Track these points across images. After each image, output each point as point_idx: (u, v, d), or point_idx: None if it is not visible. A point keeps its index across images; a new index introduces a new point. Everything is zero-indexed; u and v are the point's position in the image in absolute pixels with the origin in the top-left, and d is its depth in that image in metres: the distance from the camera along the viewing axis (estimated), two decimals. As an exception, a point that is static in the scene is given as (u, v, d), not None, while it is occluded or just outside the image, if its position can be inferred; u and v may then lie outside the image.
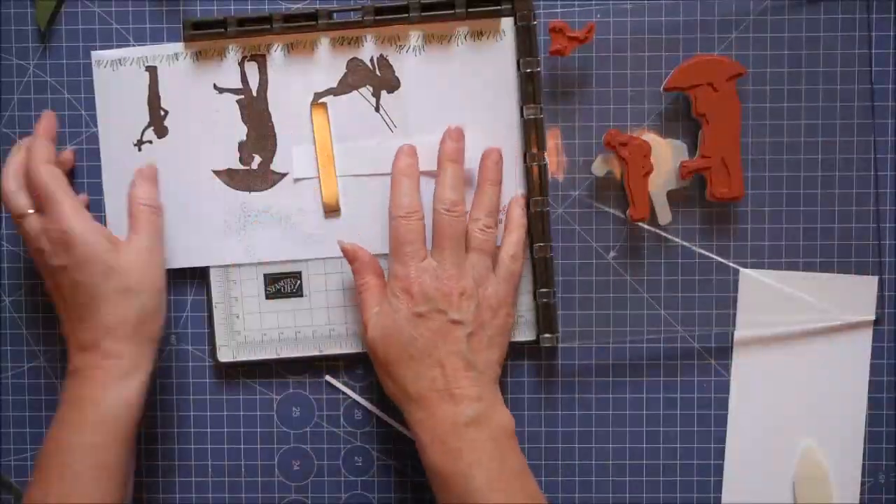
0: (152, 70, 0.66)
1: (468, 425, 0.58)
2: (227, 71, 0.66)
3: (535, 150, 0.65)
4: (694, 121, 0.66)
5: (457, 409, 0.58)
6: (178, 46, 0.66)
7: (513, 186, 0.66)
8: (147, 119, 0.66)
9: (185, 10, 0.67)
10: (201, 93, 0.66)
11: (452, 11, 0.65)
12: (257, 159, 0.66)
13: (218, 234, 0.66)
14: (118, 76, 0.66)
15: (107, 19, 0.67)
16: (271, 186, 0.66)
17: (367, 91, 0.66)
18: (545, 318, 0.66)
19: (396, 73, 0.66)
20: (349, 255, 0.63)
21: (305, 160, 0.66)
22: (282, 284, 0.67)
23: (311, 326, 0.67)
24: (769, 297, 0.67)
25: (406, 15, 0.65)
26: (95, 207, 0.67)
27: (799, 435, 0.67)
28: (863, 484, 0.67)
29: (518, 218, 0.65)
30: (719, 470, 0.67)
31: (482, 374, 0.60)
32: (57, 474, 0.56)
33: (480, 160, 0.64)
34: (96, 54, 0.66)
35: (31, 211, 0.60)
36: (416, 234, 0.61)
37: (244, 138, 0.66)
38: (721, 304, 0.67)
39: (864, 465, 0.67)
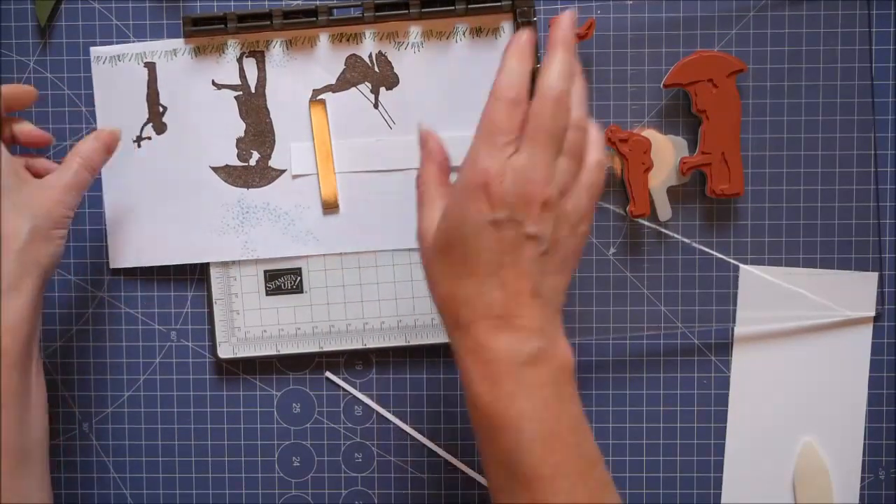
0: (151, 66, 0.66)
1: (526, 364, 0.49)
2: (226, 67, 0.66)
3: (534, 147, 0.65)
4: (694, 117, 0.66)
5: (515, 344, 0.49)
6: (177, 42, 0.66)
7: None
8: (146, 115, 0.66)
9: (184, 6, 0.67)
10: (200, 89, 0.66)
11: (452, 8, 0.65)
12: (256, 156, 0.66)
13: (217, 231, 0.67)
14: (117, 72, 0.66)
15: (107, 15, 0.67)
16: (270, 183, 0.66)
17: (365, 88, 0.66)
18: (545, 314, 0.65)
19: (395, 70, 0.66)
20: (421, 139, 0.56)
21: (304, 157, 0.66)
22: (282, 281, 0.67)
23: (311, 323, 0.67)
24: (769, 294, 0.67)
25: (406, 11, 0.65)
26: (94, 203, 0.67)
27: (799, 431, 0.67)
28: (863, 480, 0.67)
29: (595, 128, 0.55)
30: (719, 466, 0.67)
31: (548, 303, 0.50)
32: None
33: (550, 31, 0.53)
34: (95, 50, 0.66)
35: None
36: (516, 124, 0.50)
37: (242, 134, 0.66)
38: (721, 301, 0.67)
39: (864, 461, 0.67)
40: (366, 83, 0.66)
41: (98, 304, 0.68)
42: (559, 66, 0.51)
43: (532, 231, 0.49)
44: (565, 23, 0.52)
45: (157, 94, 0.66)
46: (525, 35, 0.52)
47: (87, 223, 0.68)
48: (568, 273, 0.52)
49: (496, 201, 0.49)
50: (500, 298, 0.49)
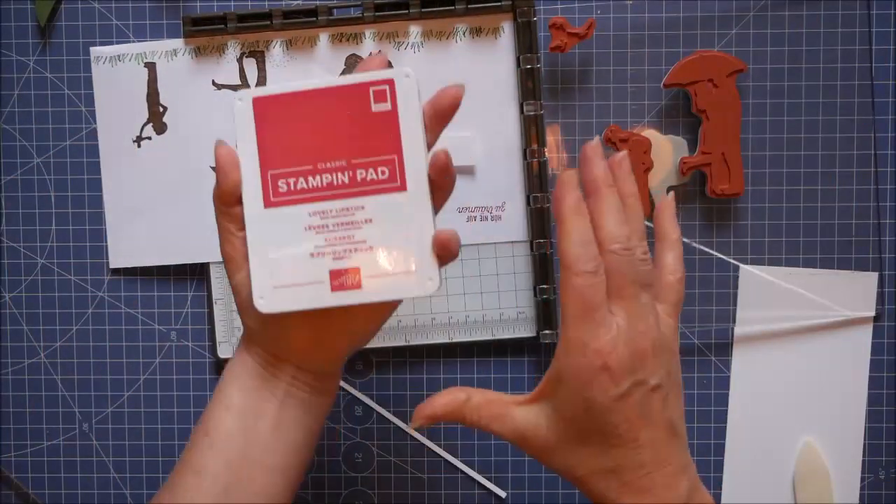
0: (151, 66, 0.66)
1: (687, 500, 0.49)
2: (226, 67, 0.66)
3: (534, 147, 0.65)
4: (694, 117, 0.66)
5: (674, 492, 0.48)
6: (177, 42, 0.66)
7: (513, 183, 0.66)
8: (146, 115, 0.66)
9: (184, 6, 0.67)
10: (200, 89, 0.66)
11: (452, 8, 0.65)
12: (256, 156, 0.66)
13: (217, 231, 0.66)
14: (117, 72, 0.66)
15: (107, 15, 0.67)
16: (270, 183, 0.66)
17: (366, 87, 0.66)
18: (545, 314, 0.66)
19: (395, 70, 0.66)
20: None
21: (305, 156, 0.66)
22: (281, 281, 0.67)
23: (311, 323, 0.67)
24: (769, 294, 0.67)
25: (406, 11, 0.65)
26: (94, 204, 0.67)
27: (799, 431, 0.67)
28: (863, 480, 0.67)
29: (674, 229, 0.53)
30: (719, 466, 0.67)
31: (682, 438, 0.50)
32: None
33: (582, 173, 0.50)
34: (95, 50, 0.66)
35: None
36: (603, 293, 0.47)
37: (243, 135, 0.66)
38: (721, 301, 0.67)
39: (863, 461, 0.67)
40: (366, 83, 0.66)
41: (98, 304, 0.68)
42: (613, 210, 0.49)
43: (654, 382, 0.48)
44: (594, 152, 0.50)
45: (157, 94, 0.66)
46: (571, 190, 0.48)
47: (87, 223, 0.68)
48: (682, 396, 0.51)
49: (618, 375, 0.46)
50: (649, 459, 0.48)
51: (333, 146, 0.48)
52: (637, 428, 0.47)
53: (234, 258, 0.49)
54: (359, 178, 0.47)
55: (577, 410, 0.48)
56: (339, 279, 0.48)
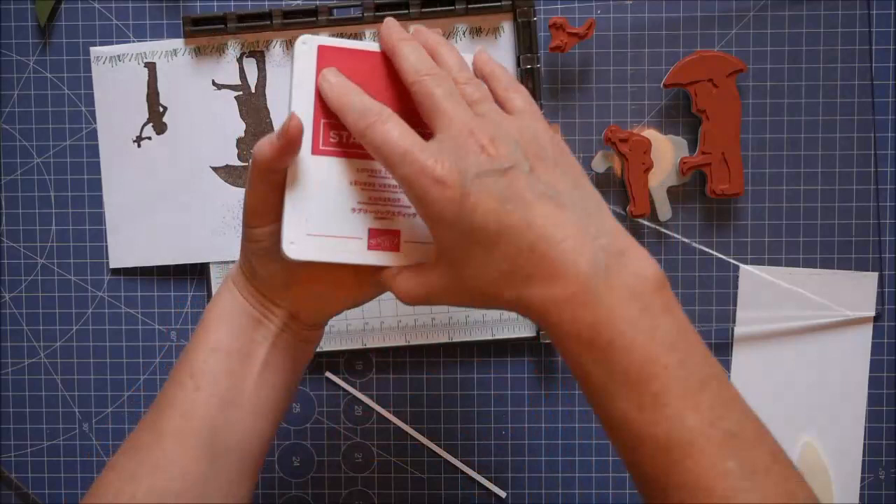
0: (151, 66, 0.66)
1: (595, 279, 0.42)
2: (226, 67, 0.66)
3: (534, 147, 0.65)
4: (694, 117, 0.66)
5: (583, 265, 0.42)
6: (177, 42, 0.66)
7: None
8: (146, 115, 0.66)
9: (184, 6, 0.67)
10: (199, 89, 0.66)
11: (452, 8, 0.65)
12: (256, 156, 0.66)
13: (217, 231, 0.67)
14: (117, 72, 0.66)
15: (107, 15, 0.67)
16: (270, 183, 0.66)
17: (366, 87, 0.66)
18: (545, 314, 0.65)
19: (395, 70, 0.66)
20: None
21: (304, 156, 0.66)
22: (281, 281, 0.67)
23: (311, 323, 0.67)
24: (769, 294, 0.67)
25: (406, 11, 0.65)
26: (94, 204, 0.67)
27: (799, 431, 0.67)
28: (863, 480, 0.67)
29: (489, 62, 0.50)
30: (719, 466, 0.67)
31: (581, 207, 0.44)
32: None
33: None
34: (95, 50, 0.66)
35: None
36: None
37: (242, 134, 0.66)
38: (721, 300, 0.67)
39: (863, 461, 0.67)
40: (366, 83, 0.66)
41: (98, 304, 0.68)
42: (411, 53, 0.47)
43: (504, 166, 0.43)
44: (391, 30, 0.49)
45: (157, 94, 0.66)
46: (396, 27, 0.49)
47: (87, 223, 0.68)
48: (560, 165, 0.45)
49: (450, 180, 0.43)
50: (536, 236, 0.42)
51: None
52: (507, 214, 0.42)
53: (259, 210, 0.47)
54: None
55: (446, 238, 0.44)
56: (378, 238, 0.47)
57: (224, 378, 0.49)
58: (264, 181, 0.47)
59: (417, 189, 0.43)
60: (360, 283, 0.50)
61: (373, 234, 0.47)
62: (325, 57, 0.47)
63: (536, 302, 0.43)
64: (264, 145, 0.46)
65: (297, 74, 0.47)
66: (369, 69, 0.48)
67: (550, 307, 0.42)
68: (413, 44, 0.48)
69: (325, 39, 0.48)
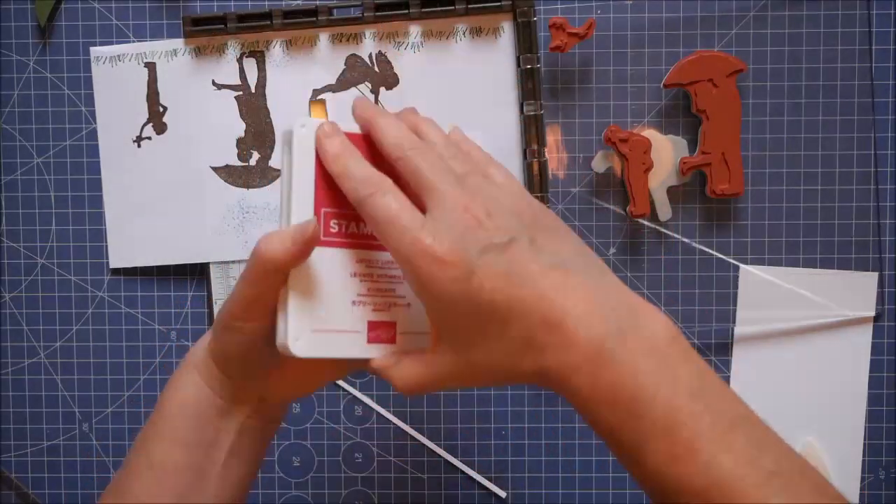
0: (151, 66, 0.66)
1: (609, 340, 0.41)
2: (226, 67, 0.66)
3: (535, 147, 0.65)
4: (694, 117, 0.66)
5: (597, 328, 0.41)
6: (177, 42, 0.66)
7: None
8: (146, 115, 0.66)
9: (184, 6, 0.67)
10: (199, 89, 0.66)
11: (452, 8, 0.65)
12: (255, 156, 0.66)
13: (217, 231, 0.67)
14: (117, 72, 0.66)
15: (107, 15, 0.67)
16: (270, 183, 0.66)
17: (365, 87, 0.66)
18: (545, 314, 0.66)
19: (395, 70, 0.66)
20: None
21: (304, 156, 0.66)
22: (281, 281, 0.67)
23: (311, 323, 0.67)
24: (769, 294, 0.67)
25: (406, 11, 0.65)
26: (94, 204, 0.67)
27: (799, 431, 0.67)
28: (863, 480, 0.67)
29: (465, 140, 0.49)
30: (719, 466, 0.67)
31: (586, 273, 0.43)
32: None
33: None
34: (95, 50, 0.66)
35: None
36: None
37: (242, 134, 0.66)
38: (721, 301, 0.67)
39: (863, 461, 0.67)
40: (366, 83, 0.66)
41: (98, 304, 0.68)
42: (391, 128, 0.45)
43: (503, 240, 0.42)
44: (364, 105, 0.47)
45: (157, 94, 0.66)
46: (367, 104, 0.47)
47: (87, 223, 0.68)
48: (557, 232, 0.45)
49: (450, 258, 0.41)
50: (548, 308, 0.41)
51: None
52: (516, 289, 0.41)
53: (253, 308, 0.45)
54: None
55: (449, 320, 0.43)
56: (376, 331, 0.46)
57: (186, 472, 0.48)
58: (266, 280, 0.44)
59: (418, 269, 0.41)
60: (339, 365, 0.49)
61: (371, 326, 0.46)
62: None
63: (554, 370, 0.41)
64: (275, 245, 0.43)
65: (296, 158, 0.45)
66: (368, 155, 0.46)
67: (569, 373, 0.41)
68: (391, 119, 0.46)
69: (324, 122, 0.46)
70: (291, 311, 0.44)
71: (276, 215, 0.66)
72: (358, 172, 0.44)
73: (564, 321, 0.41)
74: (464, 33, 0.65)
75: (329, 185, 0.45)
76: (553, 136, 0.67)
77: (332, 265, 0.45)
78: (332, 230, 0.45)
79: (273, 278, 0.44)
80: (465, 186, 0.43)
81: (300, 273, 0.44)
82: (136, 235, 0.67)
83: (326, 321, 0.45)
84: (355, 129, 0.46)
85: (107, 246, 0.67)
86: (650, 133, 0.66)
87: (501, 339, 0.42)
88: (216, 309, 0.67)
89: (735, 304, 0.67)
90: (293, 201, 0.44)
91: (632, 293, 0.43)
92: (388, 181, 0.43)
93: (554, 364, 0.41)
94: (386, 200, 0.42)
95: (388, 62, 0.66)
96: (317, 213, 0.45)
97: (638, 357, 0.41)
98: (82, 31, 0.67)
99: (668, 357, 0.42)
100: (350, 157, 0.44)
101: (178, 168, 0.66)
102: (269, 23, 0.65)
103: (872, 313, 0.67)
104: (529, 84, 0.64)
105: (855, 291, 0.67)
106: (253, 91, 0.66)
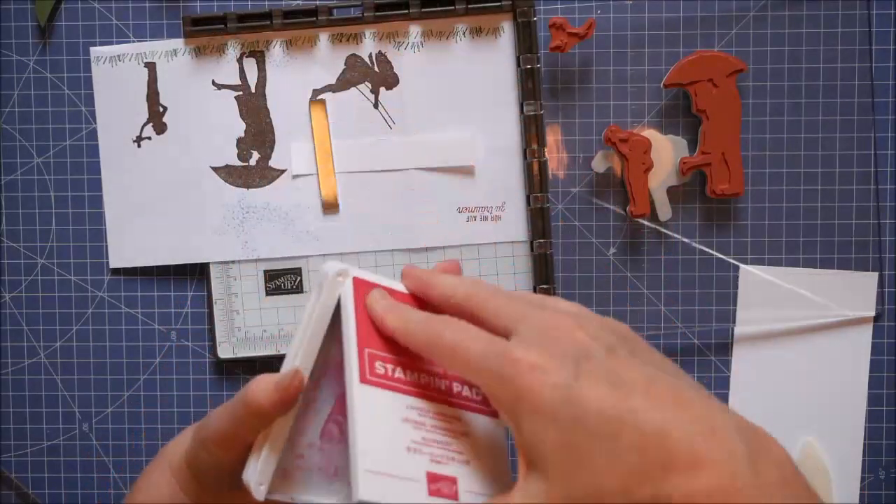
0: (151, 66, 0.66)
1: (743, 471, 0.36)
2: (226, 67, 0.66)
3: (535, 147, 0.65)
4: (694, 117, 0.66)
5: (727, 450, 0.36)
6: (177, 42, 0.66)
7: (514, 183, 0.66)
8: (146, 115, 0.66)
9: (184, 6, 0.67)
10: (199, 89, 0.66)
11: (452, 8, 0.65)
12: (256, 156, 0.66)
13: (217, 231, 0.67)
14: (117, 72, 0.66)
15: (107, 15, 0.67)
16: (270, 183, 0.66)
17: (365, 87, 0.66)
18: (545, 314, 0.65)
19: (395, 70, 0.66)
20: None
21: (304, 157, 0.66)
22: (282, 281, 0.67)
23: (311, 323, 0.67)
24: (769, 294, 0.67)
25: (406, 11, 0.65)
26: (94, 204, 0.67)
27: (799, 431, 0.67)
28: (863, 480, 0.67)
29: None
30: (719, 466, 0.67)
31: (691, 393, 0.38)
32: None
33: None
34: (95, 50, 0.66)
35: None
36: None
37: (242, 134, 0.66)
38: (721, 301, 0.67)
39: (863, 461, 0.67)
40: (366, 83, 0.66)
41: (98, 304, 0.68)
42: (501, 296, 0.42)
43: (601, 354, 0.38)
44: (414, 270, 0.45)
45: (157, 94, 0.66)
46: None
47: (87, 223, 0.68)
48: (649, 347, 0.41)
49: (549, 365, 0.37)
50: (660, 419, 0.37)
51: None
52: (624, 398, 0.37)
53: (230, 441, 0.43)
54: (454, 389, 0.44)
55: (547, 441, 0.38)
56: (437, 484, 0.42)
57: None
58: (249, 421, 0.42)
59: (511, 381, 0.37)
60: None
61: (431, 478, 0.42)
62: (360, 287, 0.43)
63: (677, 497, 0.35)
64: (259, 390, 0.42)
65: (319, 305, 0.43)
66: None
67: (699, 501, 0.35)
68: (443, 274, 0.44)
69: (358, 271, 0.43)
70: (263, 456, 0.42)
71: (275, 215, 0.66)
72: (418, 316, 0.42)
73: (686, 437, 0.36)
74: (464, 33, 0.65)
75: (368, 330, 0.43)
76: (553, 136, 0.67)
77: (383, 407, 0.42)
78: (378, 371, 0.42)
79: (256, 420, 0.42)
80: (546, 308, 0.40)
81: (352, 407, 0.41)
82: (136, 235, 0.67)
83: (384, 464, 0.40)
84: (388, 283, 0.44)
85: (107, 246, 0.67)
86: (650, 133, 0.66)
87: (614, 456, 0.36)
88: (216, 309, 0.67)
89: (735, 304, 0.67)
90: (291, 347, 0.43)
91: (738, 414, 0.39)
92: (450, 317, 0.41)
93: (679, 489, 0.36)
94: (461, 326, 0.40)
95: (388, 62, 0.66)
96: (360, 351, 0.42)
97: (773, 490, 0.36)
98: (82, 31, 0.67)
99: (799, 494, 0.37)
100: (405, 308, 0.42)
101: (178, 168, 0.66)
102: (269, 23, 0.65)
103: (872, 313, 0.67)
104: (529, 84, 0.64)
105: (855, 291, 0.67)
106: (253, 91, 0.66)
